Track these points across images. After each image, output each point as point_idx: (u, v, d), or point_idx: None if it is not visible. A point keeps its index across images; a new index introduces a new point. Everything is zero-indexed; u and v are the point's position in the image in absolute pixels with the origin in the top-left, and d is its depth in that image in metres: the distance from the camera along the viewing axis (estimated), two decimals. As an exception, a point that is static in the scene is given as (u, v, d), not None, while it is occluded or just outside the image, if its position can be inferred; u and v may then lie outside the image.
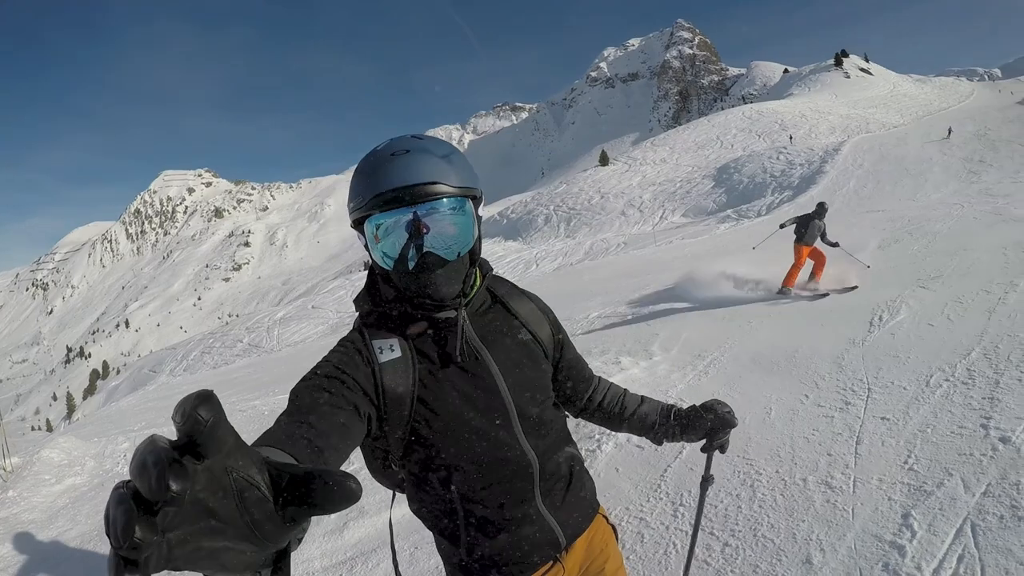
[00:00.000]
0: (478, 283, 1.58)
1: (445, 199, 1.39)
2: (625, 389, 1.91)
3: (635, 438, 4.76)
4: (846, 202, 27.06)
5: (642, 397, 1.89)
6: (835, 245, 10.32)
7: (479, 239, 1.51)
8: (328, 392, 1.31)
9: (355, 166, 1.47)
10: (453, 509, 1.51)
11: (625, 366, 7.02)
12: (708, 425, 1.84)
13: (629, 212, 50.90)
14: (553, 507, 1.61)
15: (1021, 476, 3.24)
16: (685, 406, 1.88)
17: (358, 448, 1.39)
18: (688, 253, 19.22)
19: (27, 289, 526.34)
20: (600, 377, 1.90)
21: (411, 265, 1.40)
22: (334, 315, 30.75)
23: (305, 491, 0.68)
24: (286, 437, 1.15)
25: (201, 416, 0.62)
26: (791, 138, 61.24)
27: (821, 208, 10.37)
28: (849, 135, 54.30)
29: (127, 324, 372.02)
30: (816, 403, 4.82)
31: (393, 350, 1.45)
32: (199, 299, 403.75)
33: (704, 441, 1.90)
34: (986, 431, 3.79)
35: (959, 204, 16.64)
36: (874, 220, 16.35)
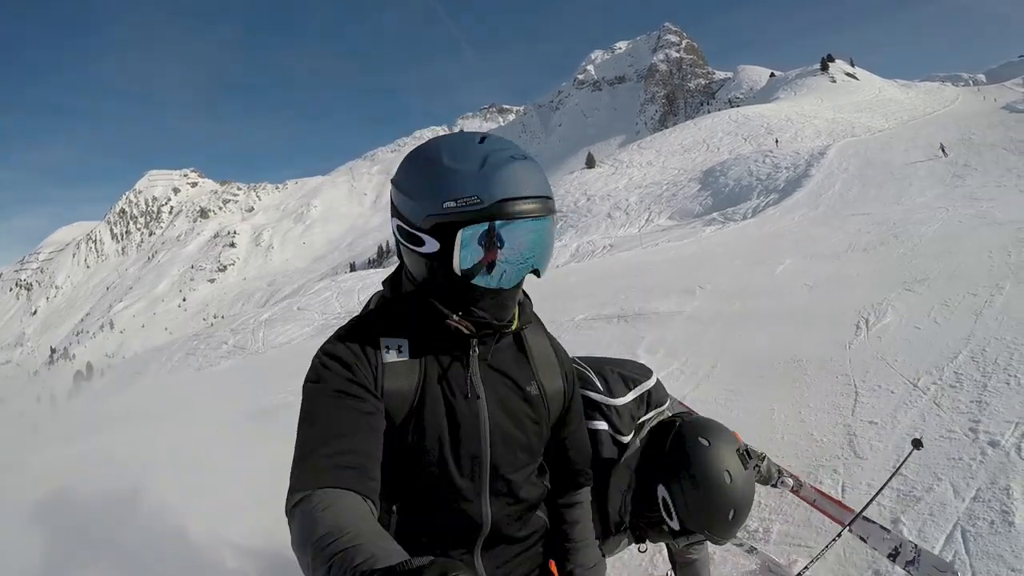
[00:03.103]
0: (516, 314, 1.46)
1: (552, 217, 1.33)
2: (598, 540, 1.76)
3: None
4: (831, 205, 27.20)
5: (595, 564, 1.71)
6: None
7: None
8: (353, 409, 1.27)
9: (421, 155, 1.34)
10: (386, 527, 1.41)
11: (611, 369, 6.97)
12: None
13: (615, 214, 51.02)
14: (491, 564, 1.51)
15: (1011, 481, 3.20)
16: None
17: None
18: (674, 256, 19.22)
19: (11, 289, 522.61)
20: (590, 504, 1.75)
21: (513, 282, 1.32)
22: (320, 317, 30.54)
23: None
24: (338, 472, 1.18)
25: None
26: (777, 141, 61.51)
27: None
28: (835, 139, 54.50)
29: (111, 325, 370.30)
30: (802, 407, 4.79)
31: (401, 351, 1.37)
32: (184, 300, 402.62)
33: None
34: (975, 435, 3.75)
35: (944, 208, 16.70)
36: (859, 223, 16.38)
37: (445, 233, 1.26)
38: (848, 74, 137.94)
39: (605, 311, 10.58)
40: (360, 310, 1.54)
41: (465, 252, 1.26)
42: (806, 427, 4.43)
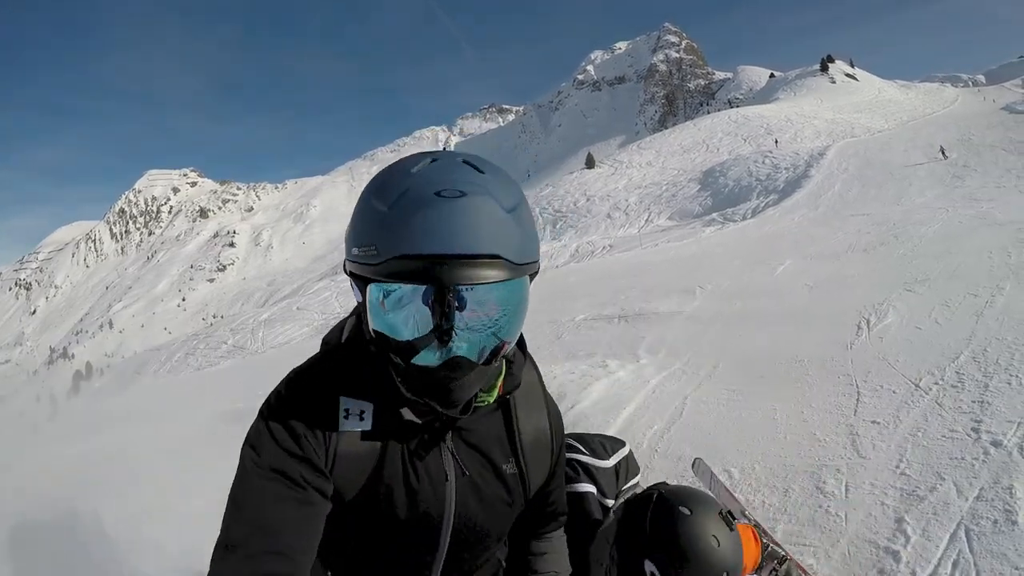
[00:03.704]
0: (499, 381, 1.23)
1: (505, 282, 0.99)
2: None
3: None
4: (831, 206, 27.18)
5: None
6: None
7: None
8: (290, 498, 1.09)
9: (373, 187, 1.05)
10: None
11: (612, 369, 6.96)
12: None
13: (615, 215, 50.97)
14: None
15: (1014, 480, 3.20)
16: None
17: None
18: (674, 256, 19.22)
19: (10, 289, 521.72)
20: (563, 544, 1.56)
21: (435, 362, 1.03)
22: (319, 317, 30.55)
23: None
24: None
25: None
26: (776, 142, 61.38)
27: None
28: (834, 139, 54.43)
29: (111, 325, 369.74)
30: (804, 407, 4.78)
31: (363, 418, 1.16)
32: (183, 300, 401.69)
33: None
34: (977, 435, 3.75)
35: (944, 208, 16.71)
36: (859, 223, 16.37)
37: (361, 284, 1.04)
38: (848, 75, 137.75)
39: (605, 311, 10.57)
40: (332, 334, 1.33)
41: (374, 313, 1.03)
42: (808, 427, 4.43)
